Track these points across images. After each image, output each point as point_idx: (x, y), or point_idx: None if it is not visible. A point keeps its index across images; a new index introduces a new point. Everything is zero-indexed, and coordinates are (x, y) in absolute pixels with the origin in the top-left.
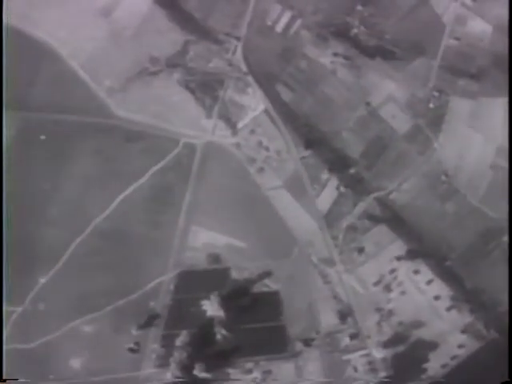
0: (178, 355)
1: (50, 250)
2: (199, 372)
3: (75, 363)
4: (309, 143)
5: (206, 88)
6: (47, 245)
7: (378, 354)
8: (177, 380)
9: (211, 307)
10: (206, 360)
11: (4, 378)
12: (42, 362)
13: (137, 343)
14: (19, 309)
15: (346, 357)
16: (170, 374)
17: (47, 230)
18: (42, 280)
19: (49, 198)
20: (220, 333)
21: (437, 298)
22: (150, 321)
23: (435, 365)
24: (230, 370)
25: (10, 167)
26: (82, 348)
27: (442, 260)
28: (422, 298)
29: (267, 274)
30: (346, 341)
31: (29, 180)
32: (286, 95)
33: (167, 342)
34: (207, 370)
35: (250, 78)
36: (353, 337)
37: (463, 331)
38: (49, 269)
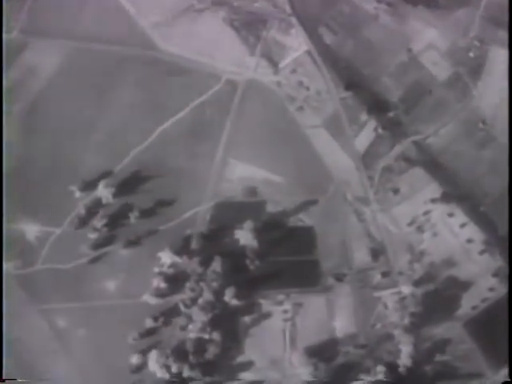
0: (211, 281)
1: (89, 174)
2: (230, 299)
3: (110, 285)
4: (349, 85)
5: (250, 27)
6: (88, 170)
7: (407, 289)
8: (207, 305)
9: (244, 236)
10: (237, 288)
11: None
12: (77, 283)
13: (171, 267)
14: (58, 230)
15: (377, 293)
16: (201, 299)
17: (88, 156)
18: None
19: (91, 125)
20: (253, 263)
21: (469, 241)
22: (185, 248)
23: (466, 305)
24: (262, 301)
25: (55, 94)
26: (118, 271)
27: (476, 205)
28: (454, 240)
29: (302, 209)
30: (377, 278)
31: (72, 107)
32: (328, 38)
33: (201, 268)
34: (238, 298)
35: (293, 20)
36: (385, 274)
37: (494, 275)
38: (88, 193)
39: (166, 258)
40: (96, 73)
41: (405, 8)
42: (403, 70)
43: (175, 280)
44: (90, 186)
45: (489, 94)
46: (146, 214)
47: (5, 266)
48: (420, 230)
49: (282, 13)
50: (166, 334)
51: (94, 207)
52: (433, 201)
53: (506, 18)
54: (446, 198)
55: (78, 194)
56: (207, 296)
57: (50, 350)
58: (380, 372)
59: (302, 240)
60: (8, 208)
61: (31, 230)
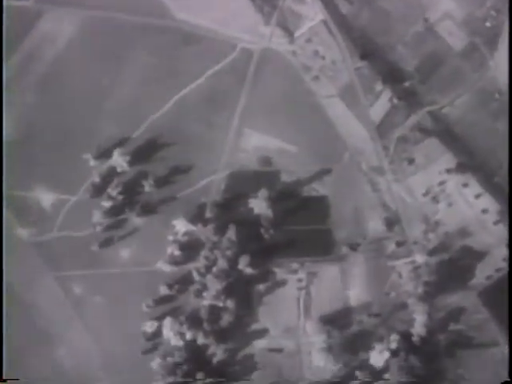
0: (225, 250)
1: (105, 143)
2: (244, 267)
3: (124, 253)
4: (364, 55)
5: None
6: (103, 138)
7: (422, 258)
8: (221, 273)
9: (259, 205)
10: (251, 256)
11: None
12: (92, 251)
13: (186, 235)
14: (73, 198)
15: (391, 263)
16: (216, 267)
17: (103, 125)
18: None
19: (106, 93)
20: (268, 232)
21: (484, 211)
22: (200, 216)
23: (480, 275)
24: (276, 269)
25: (70, 62)
26: (132, 239)
27: (491, 175)
28: (469, 210)
29: (317, 179)
30: (391, 247)
31: (87, 75)
32: (344, 7)
33: (216, 236)
34: (252, 267)
35: None
36: (399, 244)
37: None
38: (103, 162)
39: (181, 226)
40: (112, 41)
41: None
42: (419, 39)
43: (190, 248)
44: (104, 154)
45: (505, 63)
46: (161, 182)
47: (20, 233)
48: (435, 200)
49: None
50: (181, 301)
51: (109, 175)
52: (448, 171)
53: None
54: (461, 168)
55: (92, 162)
56: (221, 264)
57: (66, 317)
58: (394, 341)
59: (316, 209)
60: (23, 176)
61: (46, 197)
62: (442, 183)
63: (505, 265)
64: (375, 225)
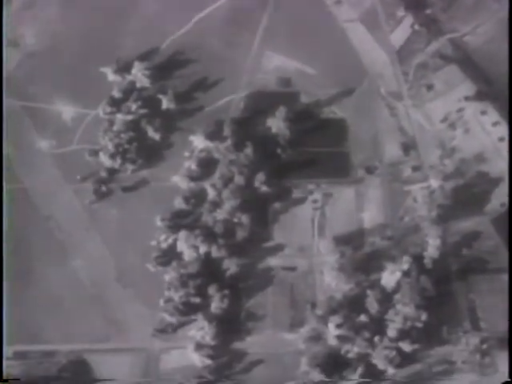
0: (242, 167)
1: (126, 58)
2: (260, 184)
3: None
4: None
5: None
6: (124, 54)
7: (437, 183)
8: (237, 190)
9: (276, 125)
10: (267, 175)
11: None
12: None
13: (203, 151)
14: (93, 112)
15: (406, 187)
16: (232, 184)
17: (125, 41)
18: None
19: (130, 9)
20: (285, 151)
21: (501, 139)
22: (217, 133)
23: (495, 202)
24: (292, 189)
25: None
26: (149, 154)
27: (509, 104)
28: (486, 138)
29: (335, 101)
30: (408, 172)
31: None
32: None
33: (233, 154)
34: (268, 185)
35: None
36: (415, 169)
37: None
38: (124, 76)
39: (199, 142)
40: None
41: None
42: None
43: (206, 164)
44: (125, 68)
45: None
46: (180, 98)
47: (40, 144)
48: (452, 126)
49: None
50: (196, 215)
51: (129, 90)
52: (466, 98)
53: None
54: (479, 96)
55: (112, 76)
56: (238, 180)
57: (83, 229)
58: (406, 262)
59: (334, 132)
60: (45, 88)
61: (67, 110)
62: (460, 110)
63: None
64: (392, 149)
